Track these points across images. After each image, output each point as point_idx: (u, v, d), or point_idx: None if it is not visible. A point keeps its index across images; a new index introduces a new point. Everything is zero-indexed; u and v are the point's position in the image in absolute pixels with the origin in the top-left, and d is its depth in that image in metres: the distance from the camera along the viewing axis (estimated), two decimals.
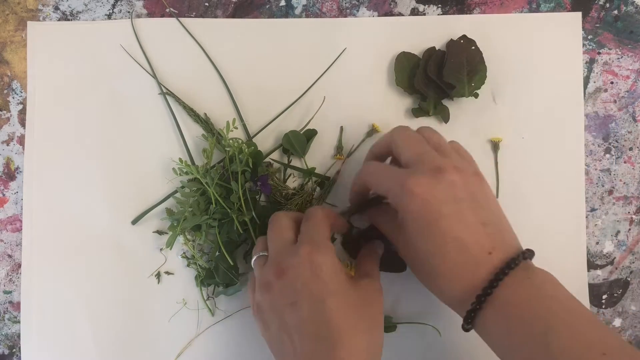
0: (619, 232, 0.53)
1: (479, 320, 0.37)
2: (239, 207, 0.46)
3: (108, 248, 0.51)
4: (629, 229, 0.53)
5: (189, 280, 0.51)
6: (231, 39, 0.52)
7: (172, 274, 0.51)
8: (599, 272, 0.53)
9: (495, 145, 0.52)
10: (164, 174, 0.51)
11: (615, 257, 0.53)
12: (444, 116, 0.51)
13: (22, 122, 0.52)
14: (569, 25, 0.53)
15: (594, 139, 0.53)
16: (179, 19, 0.52)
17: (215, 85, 0.52)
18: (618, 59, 0.53)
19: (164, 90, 0.51)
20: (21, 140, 0.52)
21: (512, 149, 0.52)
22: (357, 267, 0.43)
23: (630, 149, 0.53)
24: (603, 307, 0.52)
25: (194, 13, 0.53)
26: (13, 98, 0.52)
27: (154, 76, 0.52)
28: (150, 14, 0.53)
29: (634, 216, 0.53)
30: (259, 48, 0.52)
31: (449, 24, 0.52)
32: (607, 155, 0.53)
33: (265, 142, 0.51)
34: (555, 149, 0.52)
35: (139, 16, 0.53)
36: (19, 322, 0.51)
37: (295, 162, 0.52)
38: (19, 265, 0.51)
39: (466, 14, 0.53)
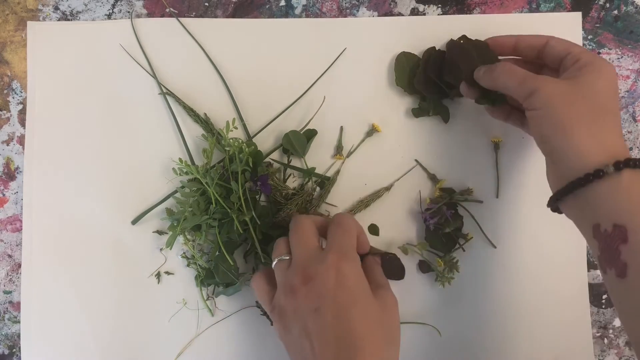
0: None
1: (591, 192, 0.37)
2: (239, 207, 0.46)
3: (108, 248, 0.51)
4: None
5: (189, 280, 0.51)
6: (231, 39, 0.52)
7: (172, 274, 0.51)
8: (599, 272, 0.53)
9: (495, 145, 0.52)
10: (164, 174, 0.51)
11: None
12: (444, 116, 0.51)
13: (22, 122, 0.52)
14: (569, 25, 0.53)
15: None
16: (179, 19, 0.52)
17: (215, 85, 0.52)
18: (618, 59, 0.53)
19: (164, 90, 0.51)
20: (21, 140, 0.52)
21: (512, 149, 0.52)
22: (369, 278, 0.42)
23: (630, 149, 0.53)
24: (603, 307, 0.52)
25: (194, 13, 0.53)
26: (13, 98, 0.52)
27: (154, 76, 0.52)
28: (150, 14, 0.53)
29: None
30: (259, 48, 0.52)
31: (449, 24, 0.52)
32: None
33: (265, 142, 0.51)
34: None
35: (138, 16, 0.53)
36: (19, 322, 0.51)
37: (295, 162, 0.52)
38: (19, 265, 0.51)
39: (466, 14, 0.53)
